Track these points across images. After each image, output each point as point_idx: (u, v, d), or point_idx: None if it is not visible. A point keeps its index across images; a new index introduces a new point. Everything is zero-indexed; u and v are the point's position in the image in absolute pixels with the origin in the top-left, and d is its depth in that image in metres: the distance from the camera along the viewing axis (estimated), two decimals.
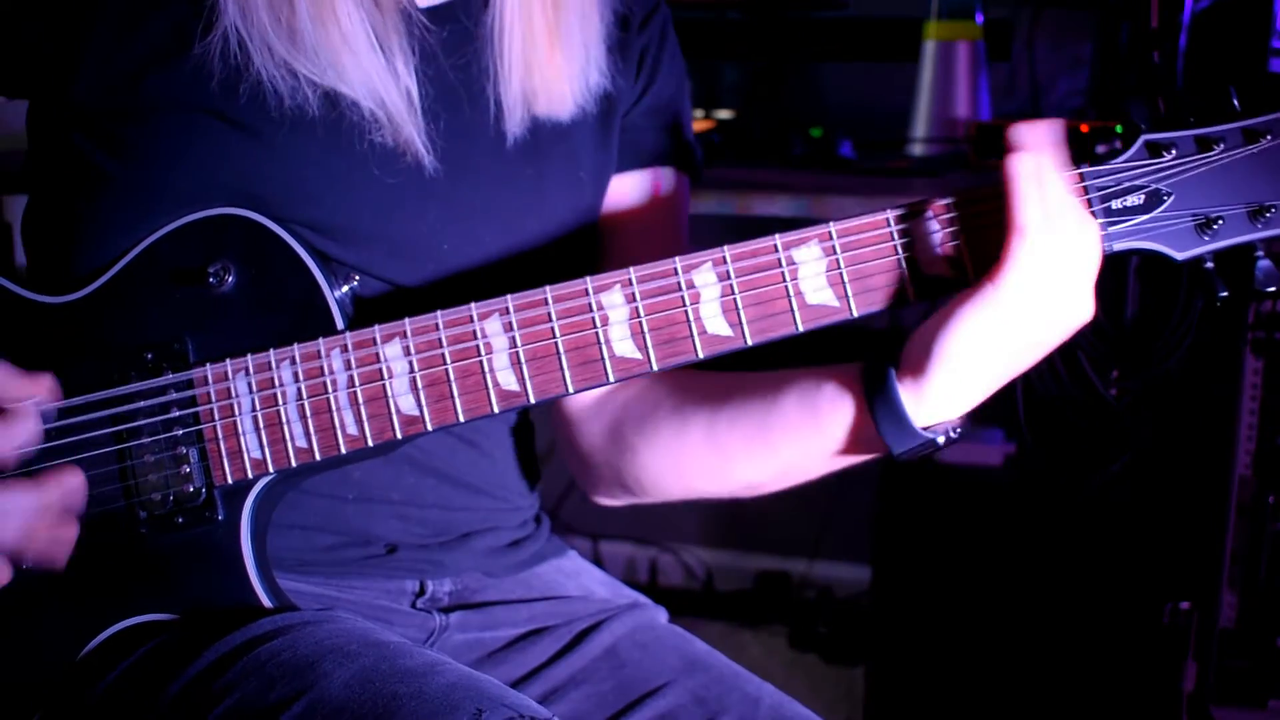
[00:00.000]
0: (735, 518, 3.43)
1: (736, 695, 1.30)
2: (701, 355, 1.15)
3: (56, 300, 1.23)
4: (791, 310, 1.15)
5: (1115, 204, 1.13)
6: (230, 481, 1.19)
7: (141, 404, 1.20)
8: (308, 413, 1.18)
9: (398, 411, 1.17)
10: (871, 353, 1.20)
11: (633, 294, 1.16)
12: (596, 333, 1.16)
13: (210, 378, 1.19)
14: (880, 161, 2.50)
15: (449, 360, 1.17)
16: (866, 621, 2.78)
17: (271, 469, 1.19)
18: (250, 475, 1.19)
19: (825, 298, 1.15)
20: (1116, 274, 2.28)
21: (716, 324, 1.15)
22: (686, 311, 1.15)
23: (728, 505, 1.40)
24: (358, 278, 1.24)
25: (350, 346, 1.18)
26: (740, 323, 1.15)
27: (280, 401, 1.18)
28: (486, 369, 1.17)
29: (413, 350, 1.17)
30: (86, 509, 1.20)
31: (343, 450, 1.18)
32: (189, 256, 1.21)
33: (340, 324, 1.20)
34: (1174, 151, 1.12)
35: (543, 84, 1.30)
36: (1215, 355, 2.20)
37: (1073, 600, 2.37)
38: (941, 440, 1.18)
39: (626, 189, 1.41)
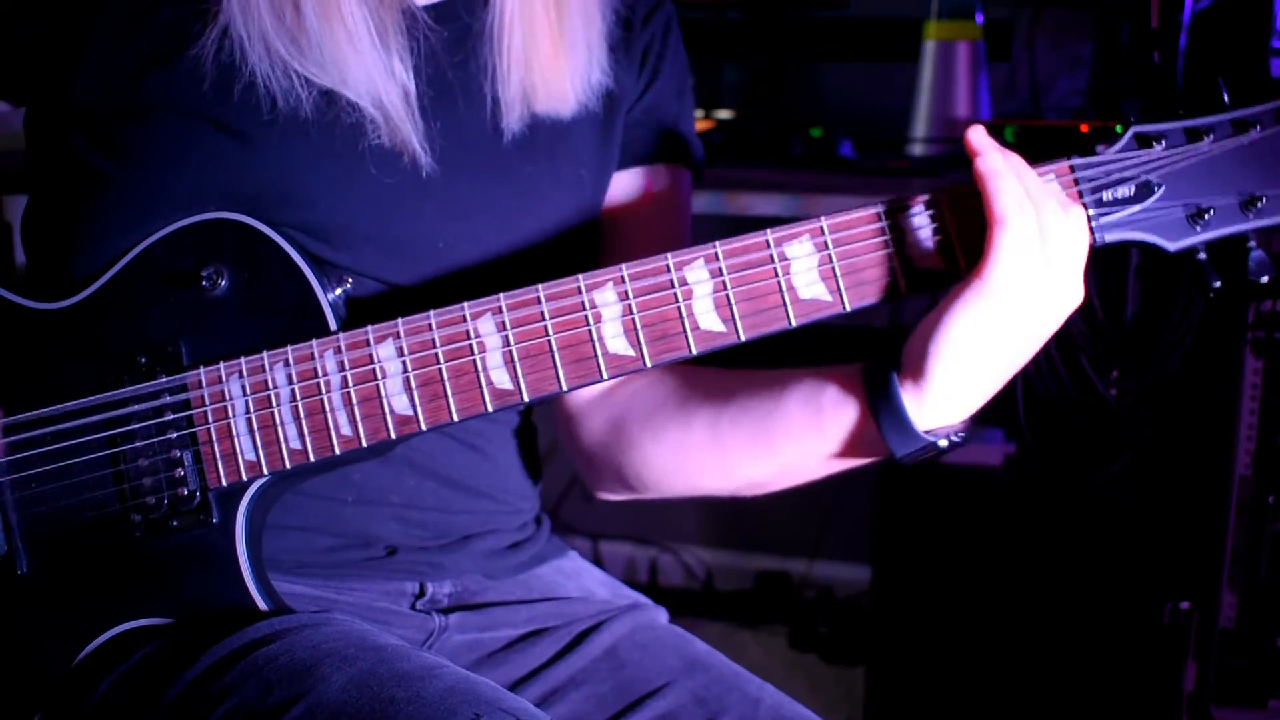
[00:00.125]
0: (735, 518, 3.43)
1: (736, 695, 1.30)
2: (694, 351, 1.15)
3: (50, 306, 1.23)
4: (784, 305, 1.14)
5: (1106, 195, 1.13)
6: (225, 484, 1.19)
7: (135, 407, 1.20)
8: (301, 414, 1.18)
9: (392, 412, 1.17)
10: (873, 354, 1.20)
11: (625, 291, 1.15)
12: (589, 330, 1.16)
13: (204, 380, 1.19)
14: (880, 161, 2.50)
15: (442, 360, 1.17)
16: (866, 621, 2.77)
17: (266, 471, 1.19)
18: (245, 477, 1.19)
19: (817, 292, 1.15)
20: (1116, 274, 2.27)
21: (709, 320, 1.15)
22: (679, 308, 1.15)
23: (728, 505, 1.40)
24: (351, 280, 1.24)
25: (343, 347, 1.17)
26: (733, 318, 1.15)
27: (274, 403, 1.18)
28: (480, 368, 1.16)
29: (406, 350, 1.17)
30: (82, 512, 1.20)
31: (337, 451, 1.18)
32: (183, 260, 1.21)
33: (333, 327, 1.20)
34: (1164, 143, 1.12)
35: (543, 81, 1.30)
36: (1215, 355, 2.19)
37: (1073, 600, 2.36)
38: (944, 444, 1.18)
39: (629, 186, 1.41)
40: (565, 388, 1.16)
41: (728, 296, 1.15)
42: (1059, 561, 2.38)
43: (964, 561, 2.47)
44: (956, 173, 2.32)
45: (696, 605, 3.34)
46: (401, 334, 1.17)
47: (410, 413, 1.17)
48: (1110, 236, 1.13)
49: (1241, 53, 2.12)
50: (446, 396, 1.17)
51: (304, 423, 1.18)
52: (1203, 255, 1.14)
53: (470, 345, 1.16)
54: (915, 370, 1.15)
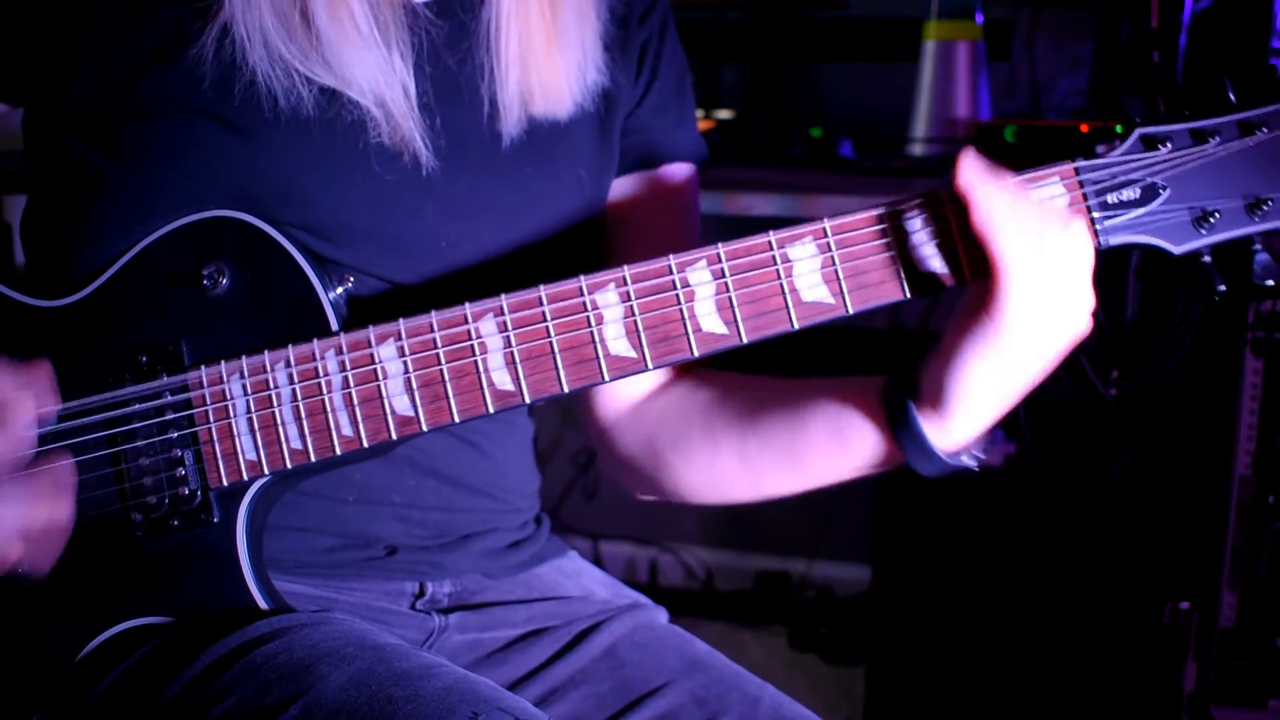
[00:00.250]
0: (735, 518, 3.43)
1: (736, 695, 1.30)
2: (696, 354, 1.15)
3: (51, 304, 1.23)
4: (786, 308, 1.14)
5: (1110, 198, 1.12)
6: (226, 484, 1.19)
7: (136, 407, 1.20)
8: (303, 414, 1.18)
9: (393, 412, 1.17)
10: (890, 379, 1.21)
11: (627, 292, 1.15)
12: (591, 332, 1.16)
13: (205, 380, 1.19)
14: (880, 161, 2.50)
15: (444, 361, 1.16)
16: (866, 621, 2.77)
17: (267, 471, 1.19)
18: (245, 477, 1.19)
19: (820, 295, 1.14)
20: (1116, 274, 2.27)
21: (711, 322, 1.15)
22: (681, 310, 1.15)
23: (729, 505, 1.41)
24: (352, 279, 1.24)
25: (345, 348, 1.17)
26: (735, 320, 1.15)
27: (275, 403, 1.18)
28: (481, 369, 1.16)
29: (407, 351, 1.17)
30: (83, 511, 1.20)
31: (338, 451, 1.18)
32: (183, 259, 1.21)
33: (334, 325, 1.19)
34: (1169, 145, 1.12)
35: (540, 83, 1.30)
36: (1215, 355, 2.19)
37: (1073, 600, 2.36)
38: (970, 462, 1.20)
39: (640, 189, 1.41)
40: (567, 389, 1.16)
41: (730, 299, 1.15)
42: (1059, 561, 2.38)
43: (964, 561, 2.47)
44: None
45: (696, 605, 3.34)
46: (403, 334, 1.17)
47: (411, 413, 1.17)
48: (1115, 240, 1.13)
49: (1242, 53, 2.12)
50: (448, 397, 1.17)
51: (305, 423, 1.18)
52: (1207, 258, 1.13)
53: (472, 346, 1.16)
54: (934, 402, 1.17)
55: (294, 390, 1.18)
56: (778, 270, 1.14)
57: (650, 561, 3.51)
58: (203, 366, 1.19)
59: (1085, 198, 1.12)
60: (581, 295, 1.16)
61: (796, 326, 1.15)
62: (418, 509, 1.36)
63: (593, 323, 1.16)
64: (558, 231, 1.33)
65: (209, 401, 1.19)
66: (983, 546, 2.45)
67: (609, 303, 1.16)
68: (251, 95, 1.21)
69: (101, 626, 1.20)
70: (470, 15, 1.30)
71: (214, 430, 1.19)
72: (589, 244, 1.37)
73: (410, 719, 1.04)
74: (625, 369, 1.16)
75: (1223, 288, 1.13)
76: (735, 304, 1.15)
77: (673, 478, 1.37)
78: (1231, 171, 1.11)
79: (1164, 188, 1.12)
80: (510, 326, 1.16)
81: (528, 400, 1.16)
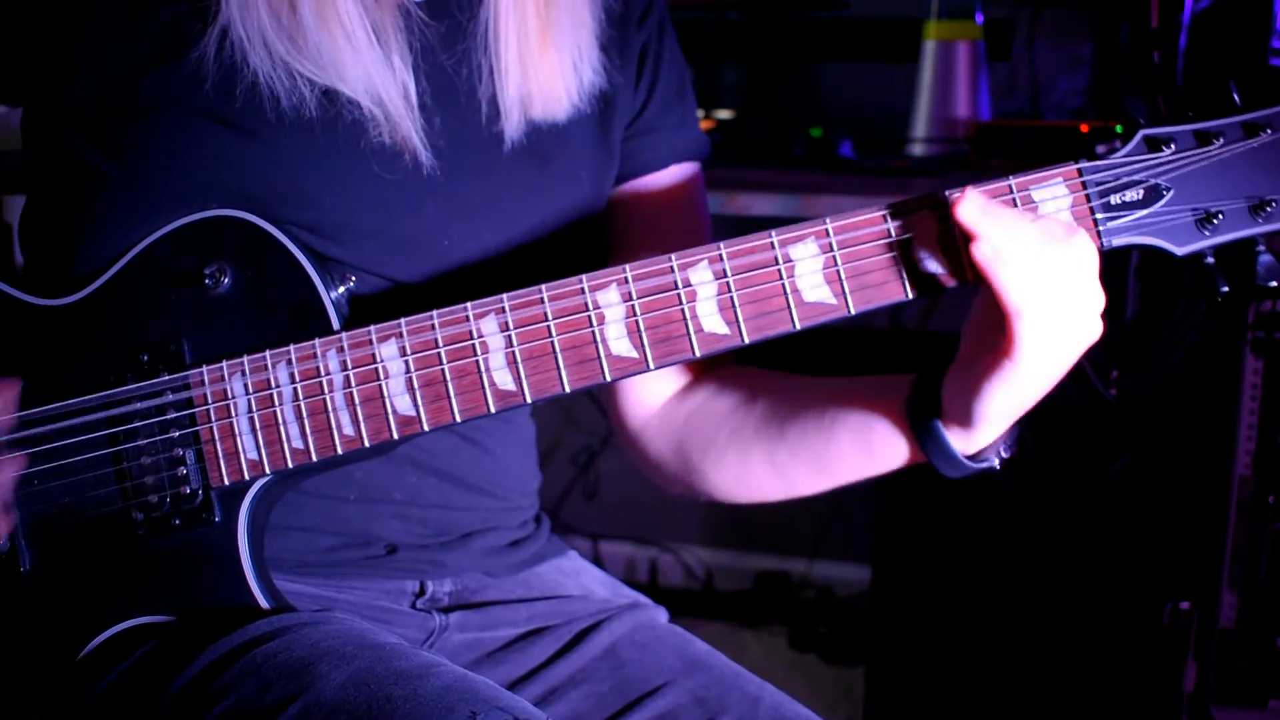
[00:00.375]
0: (735, 518, 3.43)
1: (736, 695, 1.30)
2: (698, 354, 1.15)
3: (53, 303, 1.23)
4: (789, 308, 1.14)
5: (1114, 199, 1.12)
6: (227, 483, 1.19)
7: (138, 406, 1.20)
8: (304, 413, 1.18)
9: (394, 412, 1.17)
10: (913, 399, 1.22)
11: (629, 292, 1.15)
12: (593, 331, 1.16)
13: (206, 379, 1.19)
14: (880, 161, 2.50)
15: (445, 360, 1.17)
16: (866, 621, 2.77)
17: (268, 470, 1.19)
18: (247, 476, 1.19)
19: (822, 295, 1.14)
20: (1116, 274, 2.27)
21: (713, 322, 1.15)
22: (683, 310, 1.15)
23: (728, 505, 1.41)
24: (354, 278, 1.24)
25: (346, 347, 1.17)
26: (737, 320, 1.15)
27: (276, 402, 1.18)
28: (482, 369, 1.16)
29: (409, 350, 1.17)
30: (84, 511, 1.20)
31: (339, 451, 1.18)
32: (185, 258, 1.21)
33: (336, 324, 1.19)
34: (1173, 146, 1.12)
35: (537, 85, 1.30)
36: (1215, 355, 2.19)
37: (1073, 600, 2.36)
38: (996, 463, 1.23)
39: (650, 193, 1.42)
40: (568, 389, 1.16)
41: (731, 299, 1.15)
42: (1059, 561, 2.38)
43: (964, 561, 2.47)
44: (957, 173, 2.33)
45: (696, 605, 3.34)
46: (404, 333, 1.17)
47: (413, 413, 1.17)
48: (1118, 241, 1.13)
49: (1242, 53, 2.12)
50: (449, 397, 1.17)
51: (306, 422, 1.18)
52: (1210, 259, 1.13)
53: (473, 345, 1.16)
54: (960, 421, 1.18)
55: (295, 389, 1.18)
56: (779, 270, 1.14)
57: (650, 561, 3.51)
58: (204, 365, 1.19)
59: (1088, 199, 1.12)
60: (583, 294, 1.16)
61: (798, 327, 1.15)
62: (418, 507, 1.36)
63: (594, 322, 1.16)
64: (558, 231, 1.33)
65: (210, 400, 1.19)
66: (983, 546, 2.45)
67: (610, 302, 1.16)
68: (253, 96, 1.22)
69: (103, 626, 1.21)
70: (468, 16, 1.31)
71: (215, 429, 1.19)
72: (589, 244, 1.37)
73: (409, 718, 1.05)
74: (626, 369, 1.16)
75: (1226, 289, 1.13)
76: (737, 304, 1.15)
77: (705, 481, 1.39)
78: (1235, 173, 1.11)
79: (1168, 189, 1.12)
80: (512, 326, 1.16)
81: (529, 400, 1.16)
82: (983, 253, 1.07)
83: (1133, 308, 2.28)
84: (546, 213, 1.33)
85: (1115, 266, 2.26)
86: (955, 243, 1.13)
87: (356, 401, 1.17)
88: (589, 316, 1.16)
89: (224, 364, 1.19)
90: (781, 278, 1.14)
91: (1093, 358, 2.21)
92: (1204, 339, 2.19)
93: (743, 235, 1.15)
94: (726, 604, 3.36)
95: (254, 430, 1.19)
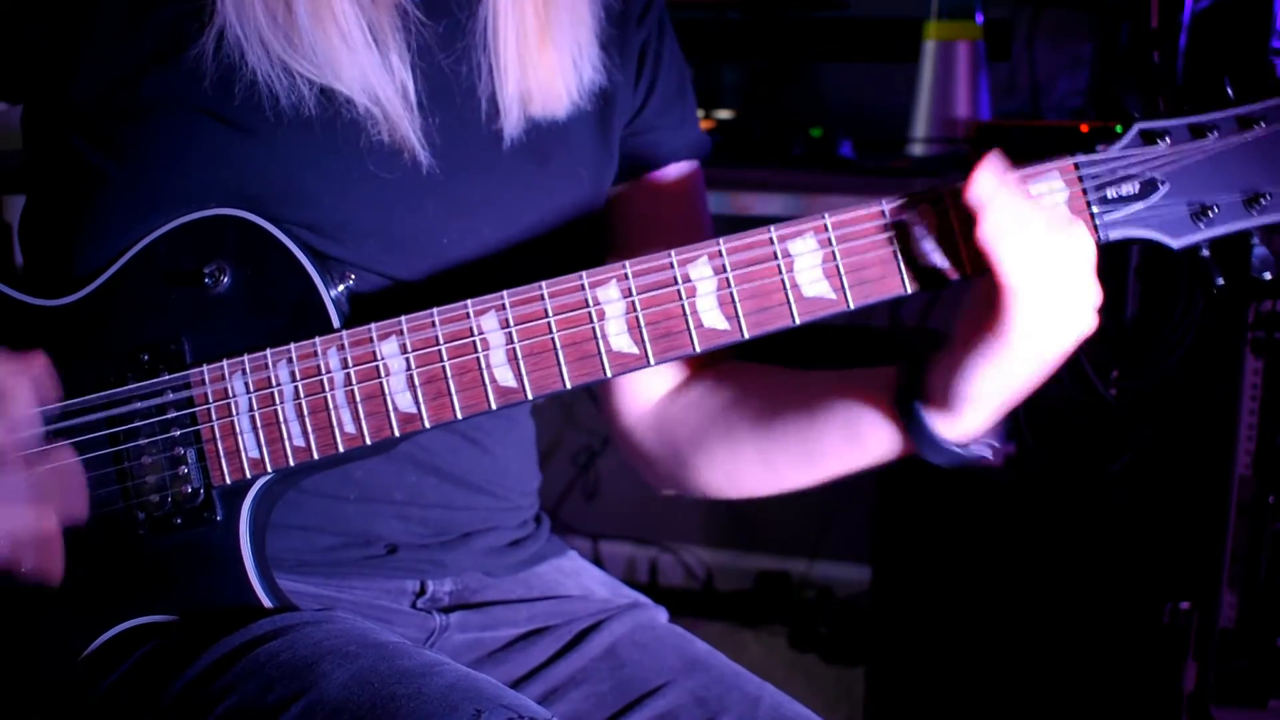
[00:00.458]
0: (735, 518, 3.43)
1: (736, 695, 1.30)
2: (698, 349, 1.15)
3: (52, 303, 1.23)
4: (788, 303, 1.14)
5: (1110, 192, 1.13)
6: (228, 482, 1.19)
7: (138, 405, 1.20)
8: (305, 412, 1.18)
9: (395, 409, 1.17)
10: (899, 385, 1.22)
11: (628, 288, 1.15)
12: (593, 328, 1.16)
13: (207, 378, 1.19)
14: (880, 161, 2.50)
15: (446, 357, 1.17)
16: (866, 621, 2.77)
17: (269, 469, 1.19)
18: (248, 475, 1.19)
19: (821, 290, 1.15)
20: (1116, 274, 2.27)
21: (713, 317, 1.15)
22: (683, 305, 1.15)
23: (728, 505, 1.41)
24: (354, 276, 1.24)
25: (346, 345, 1.17)
26: (737, 316, 1.15)
27: (277, 401, 1.18)
28: (483, 365, 1.16)
29: (409, 348, 1.17)
30: (87, 511, 1.20)
31: (340, 449, 1.18)
32: (184, 257, 1.21)
33: (336, 323, 1.19)
34: (1168, 140, 1.12)
35: (537, 83, 1.30)
36: (1215, 355, 2.19)
37: (1073, 600, 2.36)
38: (985, 453, 1.22)
39: (649, 189, 1.42)
40: (569, 385, 1.16)
41: (731, 294, 1.15)
42: (1059, 561, 2.38)
43: (964, 561, 2.47)
44: (957, 173, 2.32)
45: (696, 605, 3.34)
46: (405, 331, 1.17)
47: (414, 410, 1.17)
48: (1114, 234, 1.13)
49: (1242, 53, 2.12)
50: (450, 394, 1.17)
51: (307, 420, 1.18)
52: (1206, 252, 1.14)
53: (474, 342, 1.16)
54: (943, 405, 1.18)
55: (296, 387, 1.18)
56: (779, 265, 1.14)
57: (650, 561, 3.51)
58: (204, 364, 1.19)
59: (1085, 192, 1.13)
60: (583, 291, 1.16)
61: (798, 322, 1.15)
62: (418, 506, 1.36)
63: (594, 318, 1.16)
64: (558, 229, 1.34)
65: (211, 399, 1.19)
66: (983, 546, 2.45)
67: (610, 298, 1.16)
68: (252, 95, 1.22)
69: (105, 625, 1.20)
70: (467, 14, 1.31)
71: (216, 428, 1.19)
72: (589, 242, 1.37)
73: (413, 716, 1.05)
74: (627, 364, 1.16)
75: (1221, 281, 1.14)
76: (737, 299, 1.15)
77: (695, 476, 1.39)
78: (1230, 166, 1.12)
79: (1163, 182, 1.12)
80: (512, 322, 1.16)
81: (530, 396, 1.16)
82: (987, 229, 1.07)
83: (1133, 308, 2.28)
84: (546, 210, 1.33)
85: (1115, 266, 2.26)
86: (954, 237, 1.13)
87: (358, 399, 1.17)
88: (589, 313, 1.16)
89: (224, 363, 1.19)
90: (781, 273, 1.14)
91: (1093, 358, 2.22)
92: (1204, 339, 2.19)
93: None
94: (726, 604, 3.36)
95: (255, 429, 1.19)
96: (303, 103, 1.22)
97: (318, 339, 1.18)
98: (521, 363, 1.16)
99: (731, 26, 2.89)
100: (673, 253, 1.15)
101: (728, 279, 1.15)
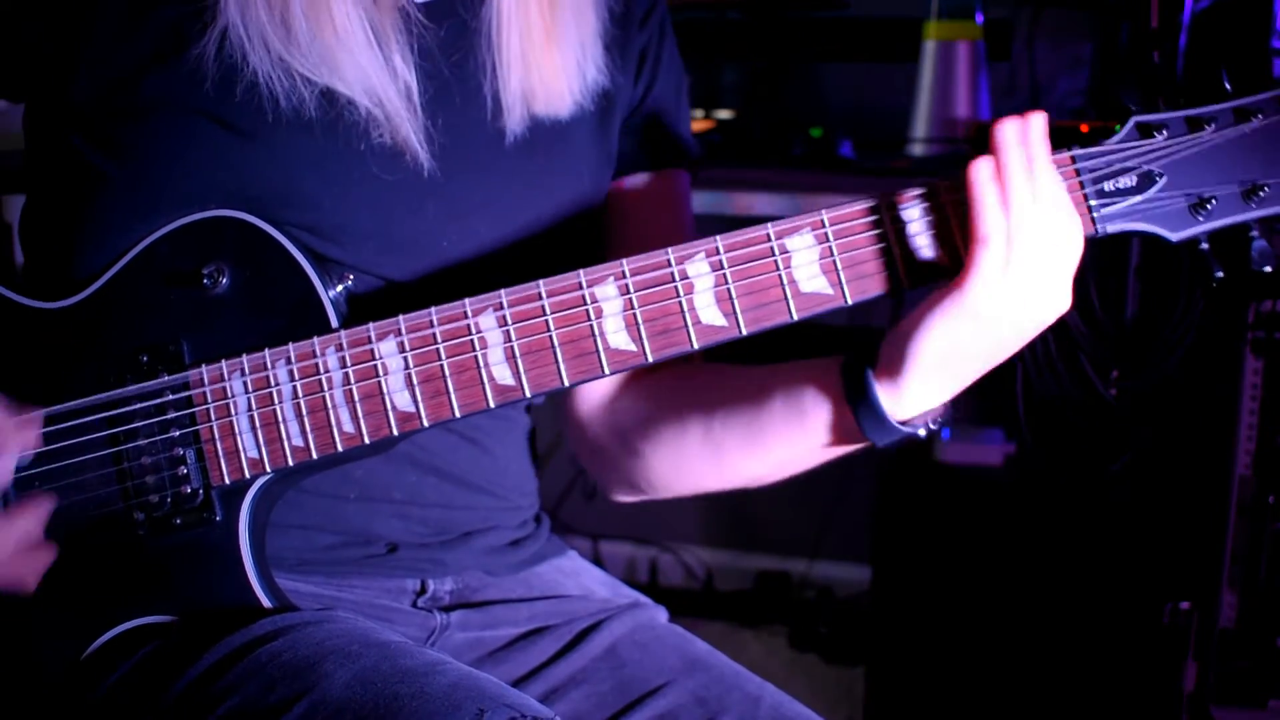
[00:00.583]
0: (735, 518, 3.43)
1: (736, 695, 1.30)
2: (696, 346, 1.15)
3: (52, 306, 1.23)
4: (785, 299, 1.15)
5: (1107, 185, 1.13)
6: (228, 482, 1.19)
7: (138, 406, 1.20)
8: (304, 411, 1.18)
9: (393, 408, 1.17)
10: (851, 351, 1.21)
11: (626, 286, 1.15)
12: (591, 325, 1.16)
13: (206, 378, 1.19)
14: (880, 161, 2.50)
15: (444, 356, 1.17)
16: (866, 621, 2.77)
17: (269, 469, 1.19)
18: (247, 475, 1.19)
19: (819, 286, 1.15)
20: (1116, 273, 2.27)
21: (710, 314, 1.15)
22: (680, 302, 1.15)
23: (728, 505, 1.41)
24: (352, 277, 1.24)
25: (345, 344, 1.18)
26: (734, 312, 1.15)
27: (276, 401, 1.18)
28: (481, 364, 1.16)
29: (408, 347, 1.17)
30: (85, 511, 1.20)
31: (339, 448, 1.18)
32: (184, 259, 1.21)
33: (335, 323, 1.19)
34: (1165, 132, 1.12)
35: (540, 82, 1.30)
36: (1215, 355, 2.19)
37: (1073, 600, 2.36)
38: (922, 433, 1.20)
39: (633, 191, 1.42)
40: (567, 383, 1.16)
41: (729, 290, 1.15)
42: (1059, 561, 2.38)
43: (964, 561, 2.47)
44: (957, 173, 2.33)
45: (696, 605, 3.34)
46: (403, 330, 1.17)
47: (412, 409, 1.17)
48: (1112, 227, 1.13)
49: (1241, 53, 2.12)
50: (448, 392, 1.17)
51: (306, 420, 1.18)
52: (1205, 245, 1.13)
53: (472, 341, 1.16)
54: (890, 370, 1.16)
55: (295, 387, 1.18)
56: (776, 262, 1.14)
57: (650, 561, 3.51)
58: (203, 365, 1.19)
59: (1082, 185, 1.13)
60: (581, 289, 1.16)
61: (795, 317, 1.15)
62: (418, 506, 1.36)
63: (592, 316, 1.16)
64: (557, 229, 1.34)
65: (210, 400, 1.19)
66: (983, 546, 2.45)
67: (608, 296, 1.16)
68: (253, 96, 1.22)
69: (105, 626, 1.21)
70: (472, 14, 1.31)
71: (215, 428, 1.19)
72: (588, 242, 1.37)
73: (416, 715, 1.05)
74: (625, 362, 1.16)
75: (1220, 274, 1.14)
76: (734, 296, 1.15)
77: (642, 465, 1.37)
78: (1227, 158, 1.12)
79: (1160, 175, 1.12)
80: (510, 321, 1.16)
81: (528, 394, 1.16)
82: (978, 172, 1.08)
83: (1133, 308, 2.28)
84: (546, 210, 1.33)
85: (1115, 266, 2.26)
86: (950, 232, 1.13)
87: (356, 399, 1.17)
88: (587, 310, 1.16)
89: (223, 363, 1.19)
90: (778, 269, 1.15)
91: (1093, 358, 2.22)
92: (1204, 339, 2.19)
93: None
94: (726, 604, 3.36)
95: (254, 429, 1.19)
96: (303, 105, 1.22)
97: (316, 339, 1.18)
98: (519, 361, 1.16)
99: (731, 26, 2.89)
100: (670, 250, 1.15)
101: (725, 276, 1.15)
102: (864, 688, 2.64)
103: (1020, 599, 2.41)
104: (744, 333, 1.15)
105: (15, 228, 1.38)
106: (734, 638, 3.16)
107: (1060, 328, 1.14)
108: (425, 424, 1.17)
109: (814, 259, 1.14)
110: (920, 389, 1.16)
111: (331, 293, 1.21)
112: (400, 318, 1.17)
